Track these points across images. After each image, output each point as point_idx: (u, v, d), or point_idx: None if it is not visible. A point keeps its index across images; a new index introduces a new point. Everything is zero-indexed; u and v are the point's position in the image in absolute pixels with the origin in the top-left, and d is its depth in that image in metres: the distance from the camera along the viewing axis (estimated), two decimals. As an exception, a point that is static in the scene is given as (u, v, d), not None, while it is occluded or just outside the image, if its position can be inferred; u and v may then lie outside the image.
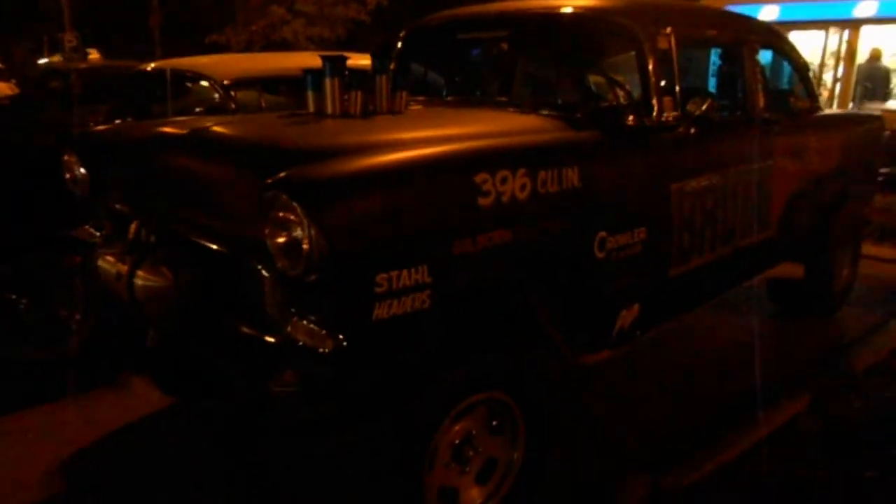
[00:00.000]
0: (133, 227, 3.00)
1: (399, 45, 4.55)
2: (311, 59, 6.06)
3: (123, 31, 25.77)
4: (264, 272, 2.52)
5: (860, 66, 15.01)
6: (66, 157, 3.53)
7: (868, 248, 6.18)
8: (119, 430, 3.84)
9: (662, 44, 3.54)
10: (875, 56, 14.56)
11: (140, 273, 2.78)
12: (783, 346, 5.17)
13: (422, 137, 2.94)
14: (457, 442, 2.83)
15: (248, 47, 21.46)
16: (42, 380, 4.22)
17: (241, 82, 5.52)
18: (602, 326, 3.40)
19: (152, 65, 6.47)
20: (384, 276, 2.33)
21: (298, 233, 2.23)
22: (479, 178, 2.61)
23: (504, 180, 2.68)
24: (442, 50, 4.65)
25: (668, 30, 3.55)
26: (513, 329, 2.89)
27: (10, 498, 3.26)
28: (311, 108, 3.52)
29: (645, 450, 3.75)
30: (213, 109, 5.53)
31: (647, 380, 4.54)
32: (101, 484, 3.44)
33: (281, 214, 2.27)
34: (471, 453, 2.89)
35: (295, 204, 2.20)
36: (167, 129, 3.39)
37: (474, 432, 2.88)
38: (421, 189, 2.48)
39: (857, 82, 14.99)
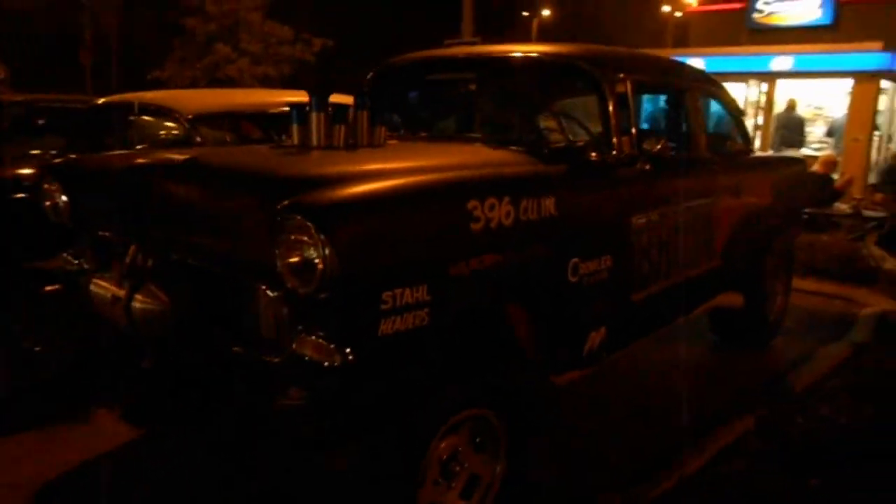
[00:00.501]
0: (130, 251, 3.05)
1: (369, 83, 4.75)
2: (273, 97, 6.21)
3: (56, 66, 25.19)
4: (269, 292, 2.62)
5: (778, 115, 16.17)
6: (46, 186, 3.54)
7: (794, 282, 6.66)
8: (85, 463, 3.77)
9: (620, 88, 3.86)
10: (791, 106, 15.74)
11: (138, 297, 2.83)
12: (727, 372, 5.52)
13: (409, 167, 3.12)
14: (444, 458, 2.96)
15: (192, 84, 21.35)
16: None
17: (205, 117, 5.60)
18: (574, 347, 3.61)
19: (113, 97, 6.45)
20: (389, 293, 2.48)
21: (312, 253, 2.36)
22: (470, 204, 2.81)
23: (492, 207, 2.89)
24: (409, 88, 4.88)
25: (625, 75, 3.89)
26: (499, 348, 3.07)
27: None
28: (296, 140, 3.65)
29: (606, 472, 3.96)
30: (177, 143, 5.57)
31: (600, 406, 4.79)
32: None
33: (293, 236, 2.40)
34: (457, 469, 3.02)
35: (310, 225, 2.34)
36: (162, 158, 3.46)
37: (460, 449, 3.02)
38: (420, 212, 2.66)
39: (775, 130, 16.11)
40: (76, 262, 3.54)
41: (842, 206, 10.43)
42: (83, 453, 3.81)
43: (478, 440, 3.11)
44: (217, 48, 21.36)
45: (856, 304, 7.34)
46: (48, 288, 3.63)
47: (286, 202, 2.45)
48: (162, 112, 5.77)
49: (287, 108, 3.65)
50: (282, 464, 2.63)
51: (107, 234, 3.37)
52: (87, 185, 3.49)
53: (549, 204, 3.17)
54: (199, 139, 5.47)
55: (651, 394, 5.02)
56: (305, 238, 2.37)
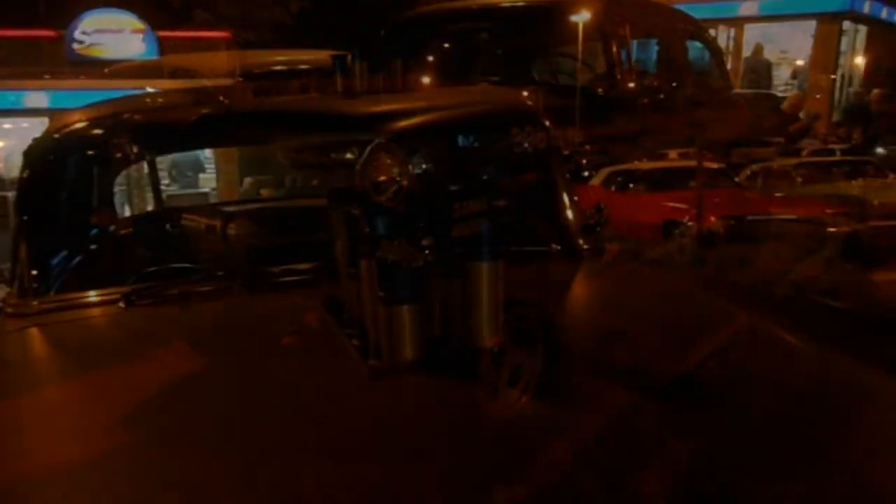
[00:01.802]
0: None
1: (388, 35, 5.25)
2: (298, 55, 6.69)
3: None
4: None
5: (746, 59, 16.84)
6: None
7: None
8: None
9: (622, 31, 4.44)
10: (757, 51, 16.41)
11: None
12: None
13: (447, 104, 3.68)
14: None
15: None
16: None
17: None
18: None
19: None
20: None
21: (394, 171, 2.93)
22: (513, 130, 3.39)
23: (529, 133, 3.47)
24: (430, 38, 5.39)
25: (625, 20, 4.46)
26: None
27: None
28: (340, 88, 4.16)
29: None
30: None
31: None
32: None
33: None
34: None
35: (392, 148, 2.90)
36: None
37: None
38: (472, 135, 3.23)
39: (743, 74, 16.79)
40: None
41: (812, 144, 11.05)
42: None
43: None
44: (195, 14, 21.37)
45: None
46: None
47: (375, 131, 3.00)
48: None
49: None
50: None
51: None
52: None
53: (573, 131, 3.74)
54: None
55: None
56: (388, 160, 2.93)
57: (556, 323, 1.24)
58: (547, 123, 2.14)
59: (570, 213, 2.03)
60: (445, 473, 0.80)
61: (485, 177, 2.20)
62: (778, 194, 10.83)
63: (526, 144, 2.16)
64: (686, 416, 0.92)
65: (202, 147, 6.37)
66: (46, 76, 15.22)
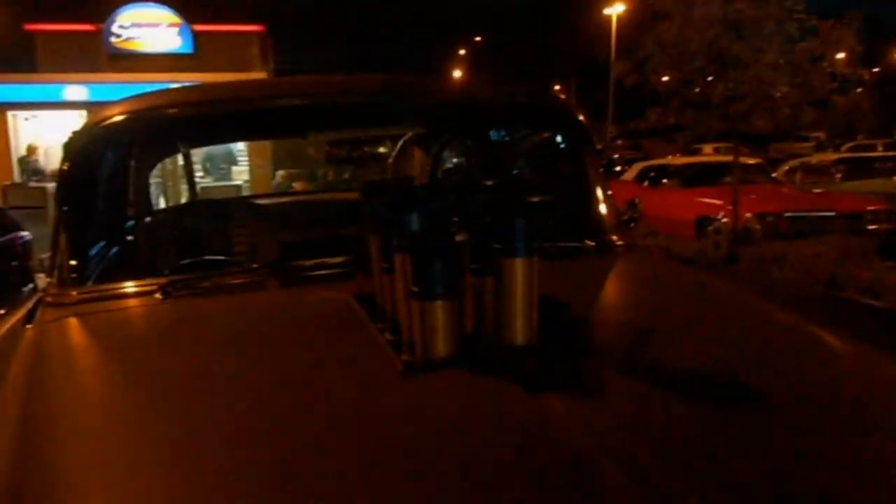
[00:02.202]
0: None
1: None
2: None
3: None
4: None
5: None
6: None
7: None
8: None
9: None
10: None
11: None
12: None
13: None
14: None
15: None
16: None
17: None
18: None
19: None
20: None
21: None
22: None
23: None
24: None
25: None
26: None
27: None
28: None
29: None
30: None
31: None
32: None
33: None
34: None
35: None
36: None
37: None
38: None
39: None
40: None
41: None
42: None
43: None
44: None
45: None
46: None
47: None
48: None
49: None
50: None
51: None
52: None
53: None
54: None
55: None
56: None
57: (590, 320, 1.22)
58: (581, 118, 2.11)
59: (604, 209, 2.00)
60: (479, 473, 0.78)
61: (520, 171, 2.18)
62: (816, 190, 10.62)
63: (561, 139, 2.13)
64: (724, 417, 0.89)
65: (235, 140, 6.41)
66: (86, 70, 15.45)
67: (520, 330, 1.01)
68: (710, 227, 8.71)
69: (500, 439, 0.83)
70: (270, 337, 1.24)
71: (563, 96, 2.19)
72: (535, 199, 0.99)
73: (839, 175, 12.08)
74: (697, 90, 7.23)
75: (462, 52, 45.58)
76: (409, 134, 2.63)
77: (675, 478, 0.73)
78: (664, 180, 10.80)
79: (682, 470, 0.75)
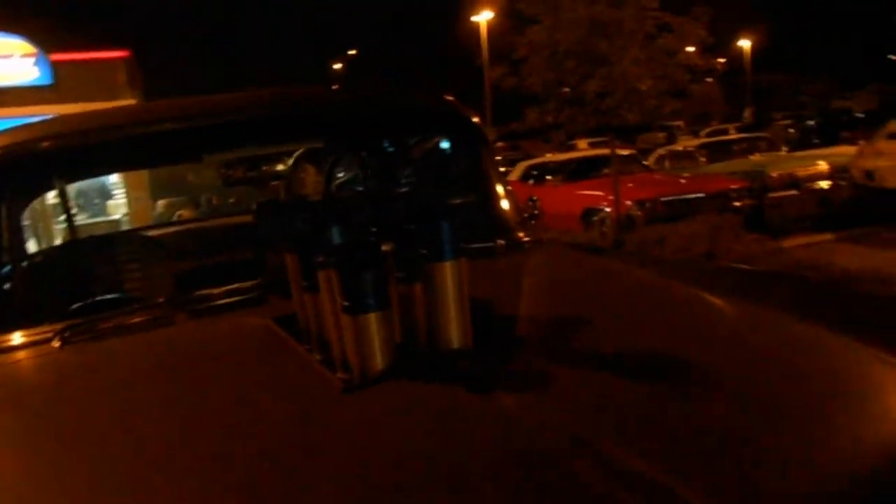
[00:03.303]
0: None
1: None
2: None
3: None
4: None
5: None
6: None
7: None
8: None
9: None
10: None
11: None
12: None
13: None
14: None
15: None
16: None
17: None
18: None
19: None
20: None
21: None
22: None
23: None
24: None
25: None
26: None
27: None
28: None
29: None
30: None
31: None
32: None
33: None
34: None
35: None
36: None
37: None
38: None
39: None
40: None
41: None
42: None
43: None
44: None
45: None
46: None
47: None
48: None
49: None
50: None
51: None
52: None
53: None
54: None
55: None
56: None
57: (520, 316, 1.23)
58: (476, 119, 2.15)
59: (508, 207, 2.05)
60: (440, 478, 0.77)
61: (421, 178, 2.18)
62: (685, 174, 11.35)
63: (458, 142, 2.15)
64: (672, 392, 0.93)
65: (119, 170, 6.03)
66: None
67: (455, 334, 1.01)
68: (596, 218, 9.13)
69: (463, 445, 0.82)
70: (192, 371, 1.18)
71: (453, 99, 2.21)
72: (456, 202, 1.00)
73: (703, 159, 13.00)
74: (570, 89, 7.56)
75: (337, 66, 45.33)
76: (301, 150, 2.57)
77: (642, 463, 0.73)
78: (548, 177, 11.20)
79: (646, 454, 0.76)
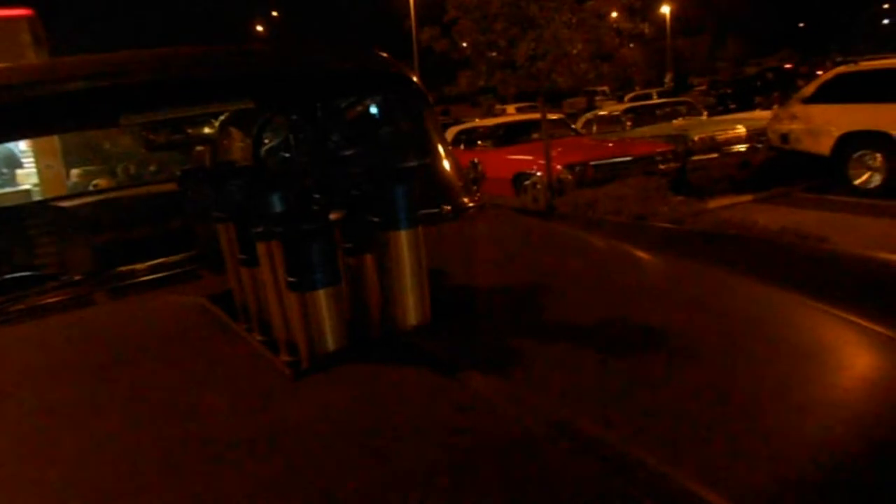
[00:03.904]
0: None
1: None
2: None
3: None
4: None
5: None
6: None
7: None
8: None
9: None
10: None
11: None
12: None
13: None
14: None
15: None
16: None
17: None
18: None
19: None
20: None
21: None
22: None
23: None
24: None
25: None
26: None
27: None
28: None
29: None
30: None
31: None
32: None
33: None
34: None
35: None
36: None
37: None
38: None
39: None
40: None
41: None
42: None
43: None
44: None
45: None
46: None
47: None
48: None
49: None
50: None
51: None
52: None
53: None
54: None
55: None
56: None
57: (475, 286, 1.16)
58: (416, 79, 2.04)
59: (451, 171, 1.96)
60: (405, 476, 0.69)
61: (364, 139, 2.06)
62: (613, 138, 11.51)
63: (398, 103, 2.04)
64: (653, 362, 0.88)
65: (24, 136, 5.59)
66: None
67: (413, 309, 0.93)
68: (527, 182, 9.15)
69: (429, 436, 0.74)
70: (115, 360, 1.05)
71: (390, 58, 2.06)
72: (410, 164, 0.91)
73: (629, 123, 13.22)
74: (500, 52, 7.47)
75: (259, 28, 43.60)
76: (226, 114, 2.40)
77: (625, 445, 0.67)
78: (479, 142, 11.15)
79: (629, 436, 0.70)
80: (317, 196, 1.03)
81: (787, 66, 26.54)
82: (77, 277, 1.39)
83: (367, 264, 0.95)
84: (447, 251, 1.33)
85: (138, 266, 1.43)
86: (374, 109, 2.13)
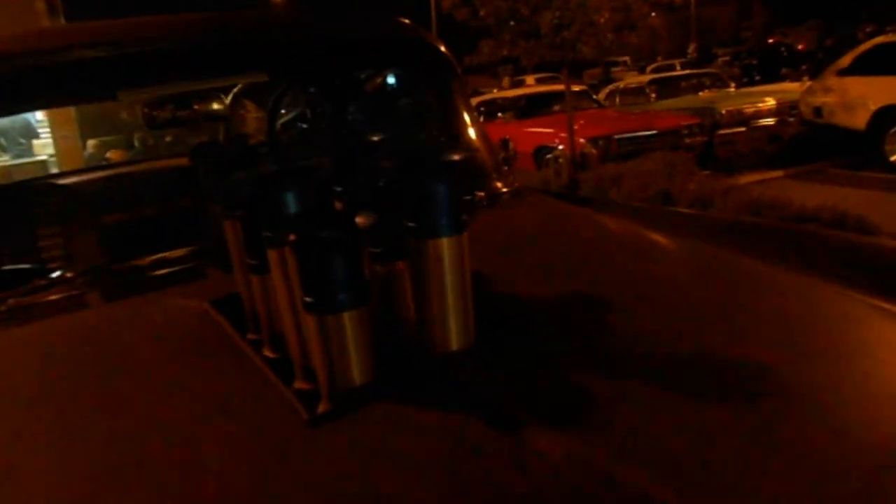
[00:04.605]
0: None
1: None
2: None
3: None
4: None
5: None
6: None
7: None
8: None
9: None
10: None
11: None
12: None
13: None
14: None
15: None
16: None
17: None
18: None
19: None
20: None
21: None
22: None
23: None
24: None
25: None
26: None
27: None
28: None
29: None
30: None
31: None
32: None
33: None
34: None
35: None
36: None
37: None
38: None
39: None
40: None
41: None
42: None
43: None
44: None
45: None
46: None
47: None
48: None
49: None
50: None
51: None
52: None
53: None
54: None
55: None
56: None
57: (522, 297, 0.98)
58: (444, 49, 1.84)
59: (486, 152, 1.77)
60: None
61: (393, 115, 1.86)
62: (636, 111, 11.19)
63: (426, 76, 1.84)
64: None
65: (21, 111, 5.48)
66: None
67: (454, 331, 0.76)
68: (549, 156, 8.90)
69: (472, 492, 0.57)
70: (105, 379, 0.90)
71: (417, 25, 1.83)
72: (454, 157, 0.73)
73: (653, 95, 12.84)
74: (521, 22, 7.20)
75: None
76: (240, 85, 2.22)
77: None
78: (499, 114, 10.88)
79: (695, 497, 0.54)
80: (338, 189, 0.86)
81: (800, 46, 25.41)
82: (69, 275, 1.24)
83: (400, 274, 0.78)
84: (484, 249, 1.15)
85: (137, 261, 1.27)
86: (395, 81, 1.93)
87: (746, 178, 8.04)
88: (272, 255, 0.78)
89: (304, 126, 1.99)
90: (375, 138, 0.97)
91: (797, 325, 0.90)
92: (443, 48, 1.82)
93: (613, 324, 0.89)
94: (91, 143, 12.97)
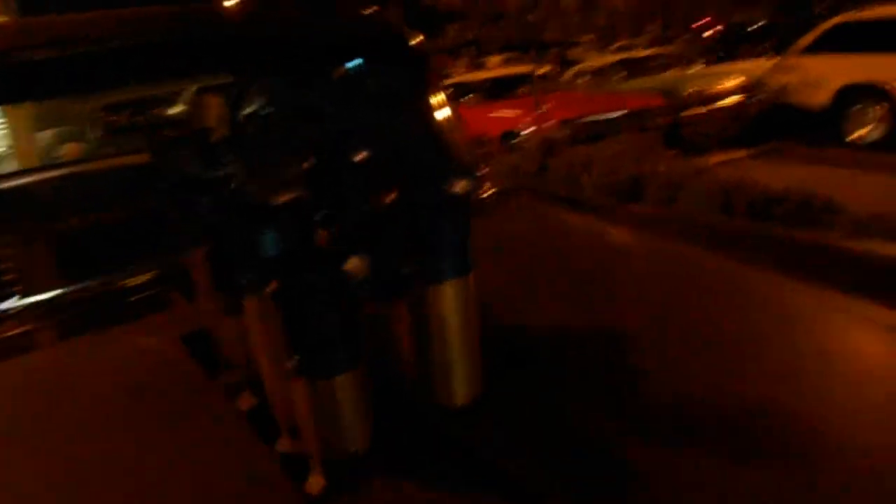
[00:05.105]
0: None
1: None
2: None
3: None
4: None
5: None
6: None
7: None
8: None
9: None
10: None
11: None
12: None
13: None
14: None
15: None
16: None
17: None
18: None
19: None
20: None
21: None
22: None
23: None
24: None
25: None
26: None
27: None
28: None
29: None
30: None
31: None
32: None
33: None
34: None
35: None
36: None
37: None
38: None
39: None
40: None
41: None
42: None
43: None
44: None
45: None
46: None
47: None
48: None
49: None
50: None
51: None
52: None
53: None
54: None
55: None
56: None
57: (535, 328, 0.89)
58: (417, 42, 1.72)
59: (461, 145, 1.67)
60: None
61: (354, 120, 1.72)
62: (602, 92, 11.09)
63: (396, 74, 1.73)
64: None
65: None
66: None
67: (461, 383, 0.68)
68: (515, 141, 8.81)
69: None
70: (67, 436, 0.79)
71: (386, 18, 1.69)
72: (460, 187, 0.64)
73: (619, 76, 12.77)
74: (487, 4, 7.06)
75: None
76: (199, 87, 2.07)
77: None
78: (463, 97, 10.74)
79: None
80: (324, 219, 0.76)
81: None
82: (10, 308, 1.11)
83: (398, 319, 0.69)
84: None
85: (94, 283, 1.16)
86: (369, 76, 1.80)
87: (714, 159, 8.06)
88: (250, 303, 0.68)
89: (273, 126, 1.86)
90: (362, 156, 0.86)
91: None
92: (416, 42, 1.71)
93: (621, 360, 0.81)
94: (43, 135, 12.45)
